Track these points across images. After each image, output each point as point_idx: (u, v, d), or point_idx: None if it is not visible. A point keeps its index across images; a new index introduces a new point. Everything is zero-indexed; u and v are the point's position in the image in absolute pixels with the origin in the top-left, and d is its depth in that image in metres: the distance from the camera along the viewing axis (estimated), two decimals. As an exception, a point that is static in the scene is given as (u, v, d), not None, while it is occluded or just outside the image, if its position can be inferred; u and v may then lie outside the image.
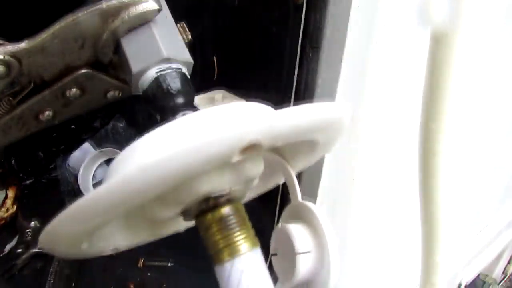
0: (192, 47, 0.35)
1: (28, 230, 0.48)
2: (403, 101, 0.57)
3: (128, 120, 0.64)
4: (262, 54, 0.52)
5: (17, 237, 0.47)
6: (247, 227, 0.27)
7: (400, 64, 0.54)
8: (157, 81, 0.32)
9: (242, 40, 0.55)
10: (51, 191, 0.56)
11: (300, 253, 0.28)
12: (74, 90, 0.34)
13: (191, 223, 0.29)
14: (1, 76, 0.30)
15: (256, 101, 0.26)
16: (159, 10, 0.33)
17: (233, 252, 0.26)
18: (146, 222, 0.31)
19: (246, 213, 0.28)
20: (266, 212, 0.51)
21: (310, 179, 0.50)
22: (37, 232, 0.47)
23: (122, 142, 0.62)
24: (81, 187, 0.60)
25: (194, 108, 0.32)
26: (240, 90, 0.54)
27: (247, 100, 0.51)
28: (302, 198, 0.31)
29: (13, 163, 0.52)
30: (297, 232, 0.29)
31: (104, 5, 0.31)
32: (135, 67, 0.32)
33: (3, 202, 0.46)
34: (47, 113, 0.35)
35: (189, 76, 0.34)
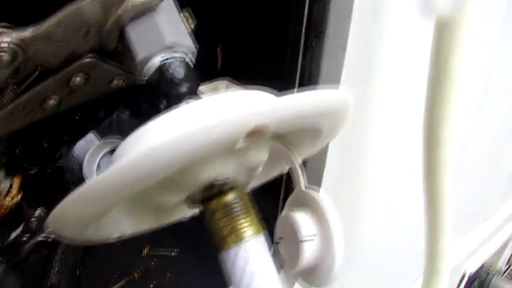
0: (195, 37, 0.35)
1: (33, 219, 0.48)
2: (408, 89, 0.57)
3: (132, 111, 0.64)
4: (266, 43, 0.52)
5: (22, 225, 0.48)
6: (251, 214, 0.27)
7: (404, 51, 0.54)
8: (161, 69, 0.32)
9: (246, 29, 0.55)
10: (56, 180, 0.56)
11: (304, 241, 0.28)
12: (78, 78, 0.34)
13: (196, 211, 0.29)
14: (6, 64, 0.30)
15: (260, 90, 0.26)
16: None
17: (238, 238, 0.26)
18: (151, 209, 0.31)
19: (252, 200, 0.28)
20: (271, 200, 0.51)
21: (315, 167, 0.50)
22: (42, 220, 0.48)
23: (126, 132, 0.62)
24: (85, 176, 0.60)
25: (198, 96, 0.32)
26: (244, 80, 0.54)
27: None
28: (306, 186, 0.31)
29: (17, 152, 0.52)
30: (302, 219, 0.29)
31: (105, -6, 0.31)
32: (139, 54, 0.32)
33: (8, 190, 0.46)
34: (51, 101, 0.35)
35: (192, 64, 0.34)
